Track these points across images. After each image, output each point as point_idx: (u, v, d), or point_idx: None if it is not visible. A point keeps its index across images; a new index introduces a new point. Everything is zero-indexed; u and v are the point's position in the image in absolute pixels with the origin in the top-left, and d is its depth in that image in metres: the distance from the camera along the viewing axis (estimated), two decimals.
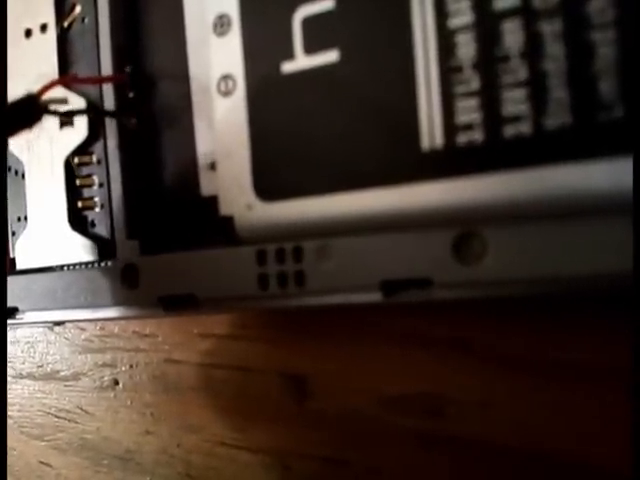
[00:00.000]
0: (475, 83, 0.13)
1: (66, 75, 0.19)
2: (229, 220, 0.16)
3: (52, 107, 0.17)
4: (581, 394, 0.15)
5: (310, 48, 0.15)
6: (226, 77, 0.16)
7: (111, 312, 0.18)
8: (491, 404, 0.16)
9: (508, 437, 0.16)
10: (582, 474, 0.15)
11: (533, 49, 0.12)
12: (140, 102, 0.18)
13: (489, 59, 0.13)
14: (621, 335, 0.14)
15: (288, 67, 0.15)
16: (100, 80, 0.18)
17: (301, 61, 0.15)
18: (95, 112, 0.18)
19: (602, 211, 0.11)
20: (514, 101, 0.13)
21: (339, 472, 0.19)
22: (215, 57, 0.16)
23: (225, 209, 0.16)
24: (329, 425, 0.19)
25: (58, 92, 0.18)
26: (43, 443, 0.25)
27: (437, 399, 0.17)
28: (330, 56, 0.14)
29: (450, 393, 0.17)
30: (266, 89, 0.15)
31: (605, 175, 0.12)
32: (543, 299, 0.15)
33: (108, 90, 0.18)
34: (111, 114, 0.18)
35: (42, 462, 0.26)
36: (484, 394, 0.16)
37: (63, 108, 0.17)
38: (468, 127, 0.13)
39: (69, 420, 0.25)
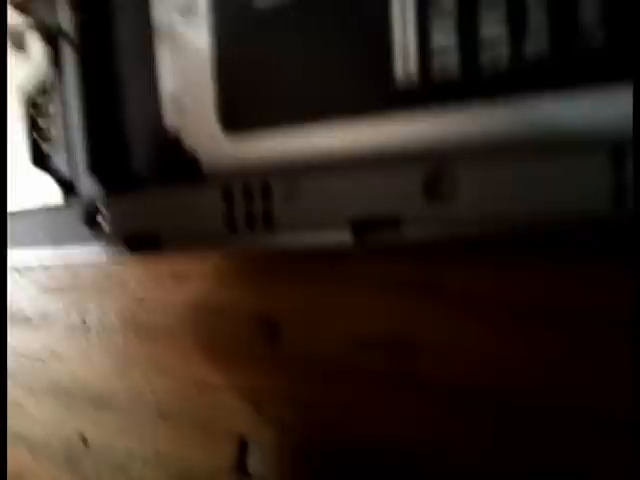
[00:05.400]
0: (451, 2, 0.12)
1: None
2: (193, 154, 0.15)
3: None
4: (550, 335, 0.15)
5: None
6: (191, 5, 0.15)
7: (76, 252, 0.17)
8: (460, 345, 0.16)
9: (476, 377, 0.16)
10: (552, 412, 0.15)
11: None
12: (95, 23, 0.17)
13: None
14: (594, 277, 0.14)
15: None
16: None
17: None
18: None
19: (580, 146, 0.11)
20: (491, 23, 0.12)
21: (309, 413, 0.19)
22: None
23: (189, 143, 0.15)
24: (300, 365, 0.19)
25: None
26: (15, 386, 0.25)
27: (406, 340, 0.17)
28: None
29: (419, 334, 0.17)
30: (232, 18, 0.14)
31: (584, 107, 0.11)
32: (514, 239, 0.15)
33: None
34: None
35: (15, 403, 0.25)
36: (453, 335, 0.16)
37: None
38: (443, 51, 0.12)
39: (41, 361, 0.24)
